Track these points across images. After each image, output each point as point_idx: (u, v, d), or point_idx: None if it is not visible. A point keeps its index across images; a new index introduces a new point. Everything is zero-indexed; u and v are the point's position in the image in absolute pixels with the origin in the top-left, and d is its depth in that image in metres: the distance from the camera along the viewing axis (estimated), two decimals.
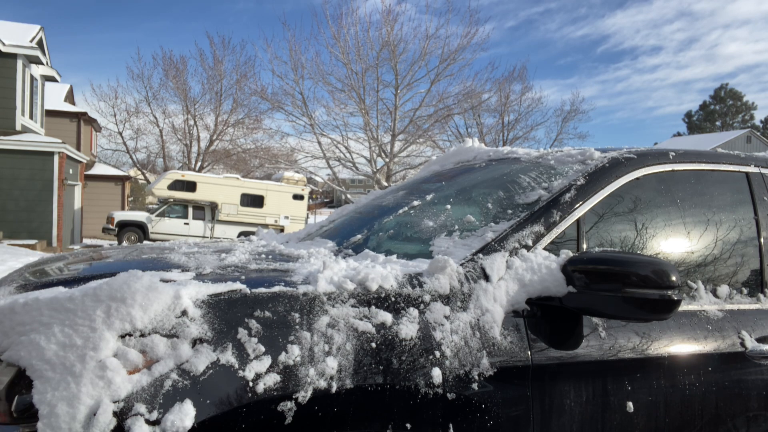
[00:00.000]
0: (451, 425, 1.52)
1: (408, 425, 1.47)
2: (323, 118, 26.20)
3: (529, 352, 1.66)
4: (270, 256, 2.10)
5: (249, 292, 1.49)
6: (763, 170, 2.39)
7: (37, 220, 16.96)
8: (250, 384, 1.33)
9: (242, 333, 1.39)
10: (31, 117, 18.44)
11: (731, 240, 2.22)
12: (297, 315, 1.47)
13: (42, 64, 18.39)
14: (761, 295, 2.18)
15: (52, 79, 20.07)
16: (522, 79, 26.24)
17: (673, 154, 2.21)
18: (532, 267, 1.75)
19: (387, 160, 21.78)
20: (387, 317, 1.54)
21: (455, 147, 3.28)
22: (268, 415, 1.34)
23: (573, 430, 1.69)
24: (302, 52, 23.62)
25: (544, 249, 1.84)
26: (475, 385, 1.56)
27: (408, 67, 20.93)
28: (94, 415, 1.20)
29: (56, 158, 17.34)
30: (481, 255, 1.78)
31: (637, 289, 1.62)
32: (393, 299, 1.59)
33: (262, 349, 1.38)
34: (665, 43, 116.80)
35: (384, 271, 1.65)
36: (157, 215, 20.82)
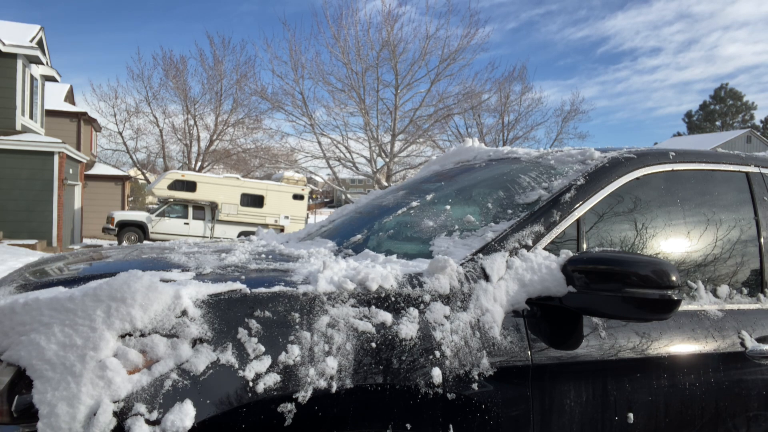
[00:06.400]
0: (451, 425, 1.52)
1: (408, 425, 1.47)
2: (323, 118, 26.16)
3: (529, 352, 1.66)
4: (270, 256, 2.10)
5: (249, 292, 1.49)
6: (763, 170, 2.39)
7: (37, 220, 16.96)
8: (250, 384, 1.33)
9: (242, 333, 1.39)
10: (31, 117, 18.44)
11: (731, 240, 2.22)
12: (297, 315, 1.47)
13: (42, 64, 18.38)
14: (761, 295, 2.18)
15: (52, 79, 20.07)
16: (522, 80, 26.22)
17: (673, 153, 2.21)
18: (532, 267, 1.75)
19: (387, 160, 21.77)
20: (387, 317, 1.54)
21: (455, 147, 3.28)
22: (268, 415, 1.34)
23: (573, 430, 1.69)
24: (302, 52, 23.68)
25: (544, 249, 1.84)
26: (475, 385, 1.56)
27: (408, 67, 20.95)
28: (94, 415, 1.20)
29: (56, 158, 17.33)
30: (481, 255, 1.78)
31: (637, 289, 1.62)
32: (393, 299, 1.59)
33: (262, 349, 1.38)
34: (665, 44, 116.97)
35: (384, 271, 1.65)
36: (157, 215, 20.81)
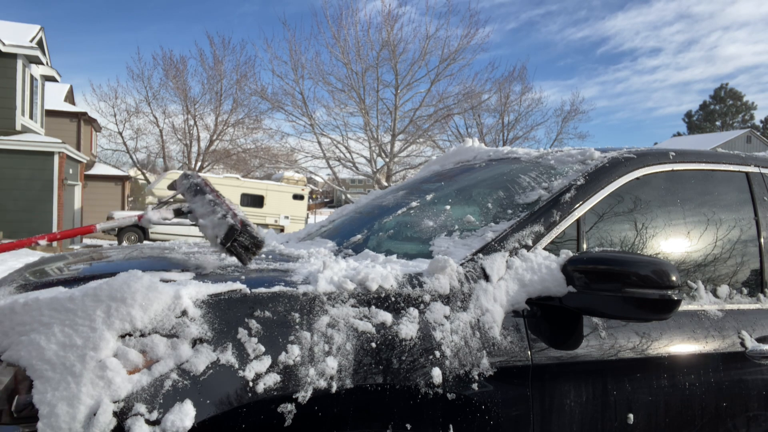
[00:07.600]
0: (451, 425, 1.52)
1: (408, 425, 1.47)
2: (323, 118, 26.12)
3: (529, 352, 1.66)
4: (270, 256, 2.10)
5: (249, 292, 1.49)
6: (763, 170, 2.39)
7: (37, 220, 16.95)
8: (250, 384, 1.33)
9: (242, 333, 1.39)
10: (31, 117, 18.44)
11: (731, 240, 2.22)
12: (297, 315, 1.47)
13: (42, 64, 18.38)
14: (761, 295, 2.18)
15: (52, 79, 20.07)
16: (522, 80, 26.23)
17: (673, 153, 2.21)
18: (532, 267, 1.75)
19: (387, 160, 21.77)
20: (387, 317, 1.54)
21: (455, 147, 3.28)
22: (268, 415, 1.34)
23: (573, 430, 1.69)
24: (302, 52, 23.68)
25: (544, 249, 1.84)
26: (475, 385, 1.56)
27: (408, 67, 20.97)
28: (94, 415, 1.20)
29: (56, 158, 17.33)
30: (481, 255, 1.78)
31: (637, 289, 1.62)
32: (393, 299, 1.59)
33: (262, 349, 1.38)
34: (665, 44, 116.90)
35: (384, 271, 1.65)
36: None
